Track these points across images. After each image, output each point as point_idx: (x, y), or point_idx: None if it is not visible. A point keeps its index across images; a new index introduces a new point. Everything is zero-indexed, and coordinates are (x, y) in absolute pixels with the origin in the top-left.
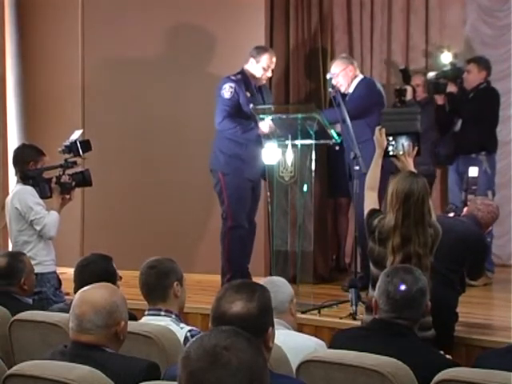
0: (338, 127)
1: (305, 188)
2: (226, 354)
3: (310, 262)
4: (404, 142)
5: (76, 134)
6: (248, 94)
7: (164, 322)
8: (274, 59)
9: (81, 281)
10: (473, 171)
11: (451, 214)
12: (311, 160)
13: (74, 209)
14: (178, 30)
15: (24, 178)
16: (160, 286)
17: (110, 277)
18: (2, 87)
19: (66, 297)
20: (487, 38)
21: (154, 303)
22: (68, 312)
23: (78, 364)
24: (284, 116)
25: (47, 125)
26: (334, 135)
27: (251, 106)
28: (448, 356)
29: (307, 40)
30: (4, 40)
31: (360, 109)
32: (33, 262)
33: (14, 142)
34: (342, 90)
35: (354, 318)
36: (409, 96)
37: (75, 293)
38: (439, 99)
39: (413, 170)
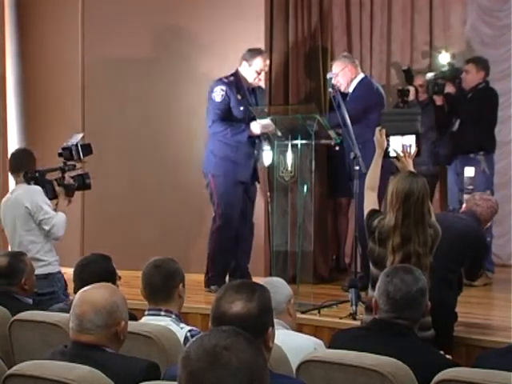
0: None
1: (305, 188)
2: (226, 354)
3: (310, 262)
4: (404, 142)
5: (76, 138)
6: (239, 97)
7: (164, 321)
8: (268, 62)
9: (81, 280)
10: (469, 171)
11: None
12: (311, 160)
13: (74, 209)
14: (178, 30)
15: (31, 179)
16: (165, 286)
17: (110, 276)
18: (2, 87)
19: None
20: (487, 37)
21: (156, 303)
22: (68, 312)
23: (78, 364)
24: (284, 116)
25: (47, 125)
26: (334, 135)
27: (247, 107)
28: (448, 356)
29: (307, 40)
30: (4, 40)
31: (360, 110)
32: (41, 263)
33: (13, 141)
34: (342, 89)
35: (354, 318)
36: (411, 96)
37: (75, 292)
38: (438, 100)
39: (412, 170)
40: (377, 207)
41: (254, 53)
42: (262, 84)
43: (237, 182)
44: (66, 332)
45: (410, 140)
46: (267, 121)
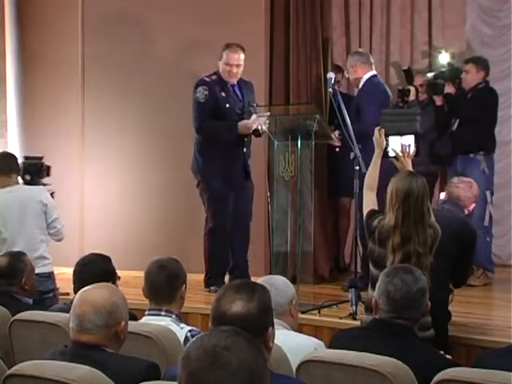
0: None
1: (305, 188)
2: (226, 354)
3: (310, 262)
4: (403, 142)
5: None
6: (223, 94)
7: (164, 321)
8: (238, 56)
9: (80, 280)
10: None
11: None
12: (311, 160)
13: (74, 209)
14: (178, 30)
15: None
16: (169, 286)
17: (110, 276)
18: (2, 86)
19: (66, 297)
20: (487, 38)
21: (157, 303)
22: (68, 312)
23: (78, 364)
24: (284, 116)
25: (47, 125)
26: (334, 136)
27: (234, 104)
28: (448, 356)
29: (307, 40)
30: (4, 39)
31: (374, 123)
32: (47, 262)
33: (14, 141)
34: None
35: (354, 318)
36: (412, 96)
37: (75, 292)
38: (438, 100)
39: (411, 170)
40: (376, 207)
41: (224, 46)
42: (235, 79)
43: (226, 182)
44: (66, 332)
45: (409, 140)
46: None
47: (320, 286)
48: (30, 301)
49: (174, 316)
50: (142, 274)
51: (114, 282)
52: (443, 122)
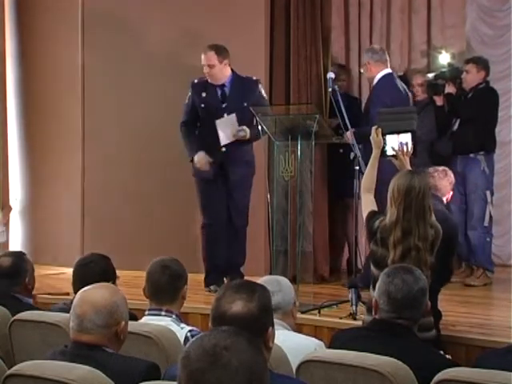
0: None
1: (305, 188)
2: (226, 354)
3: (310, 262)
4: (400, 140)
5: None
6: (204, 94)
7: (164, 321)
8: (205, 56)
9: (80, 280)
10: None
11: None
12: (311, 160)
13: (74, 209)
14: (178, 30)
15: None
16: (171, 287)
17: (110, 276)
18: (2, 87)
19: (66, 297)
20: (487, 38)
21: (158, 303)
22: (68, 312)
23: (79, 364)
24: (284, 116)
25: (47, 125)
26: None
27: (211, 104)
28: (448, 356)
29: (307, 40)
30: (4, 40)
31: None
32: None
33: (14, 141)
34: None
35: (354, 318)
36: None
37: (75, 292)
38: (438, 100)
39: (410, 168)
40: (375, 208)
41: None
42: (213, 80)
43: (206, 181)
44: (66, 332)
45: (406, 138)
46: (230, 119)
47: (320, 286)
48: (31, 301)
49: (174, 316)
50: (142, 273)
51: (113, 282)
52: (443, 122)
